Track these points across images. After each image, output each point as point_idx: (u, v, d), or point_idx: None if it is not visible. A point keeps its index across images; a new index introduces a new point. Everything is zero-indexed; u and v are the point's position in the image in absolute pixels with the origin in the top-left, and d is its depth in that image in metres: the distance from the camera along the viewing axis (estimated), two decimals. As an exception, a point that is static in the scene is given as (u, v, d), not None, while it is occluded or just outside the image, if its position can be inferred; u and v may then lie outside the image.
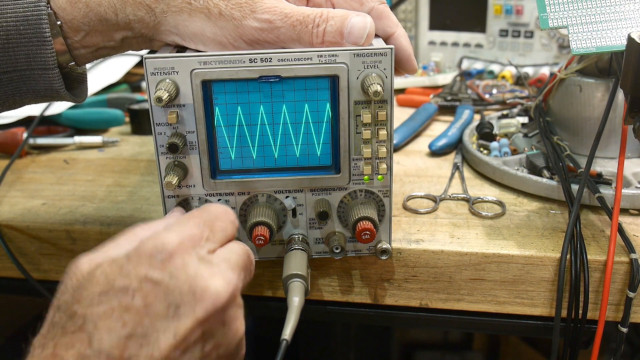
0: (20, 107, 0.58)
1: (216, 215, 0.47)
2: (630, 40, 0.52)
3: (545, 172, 0.69)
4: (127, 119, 0.99)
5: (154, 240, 0.42)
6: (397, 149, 0.87)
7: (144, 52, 0.90)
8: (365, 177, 0.54)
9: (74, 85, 0.58)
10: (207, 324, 0.42)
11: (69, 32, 0.52)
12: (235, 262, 0.45)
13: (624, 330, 0.57)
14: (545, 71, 1.14)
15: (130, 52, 0.57)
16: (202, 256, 0.43)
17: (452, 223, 0.64)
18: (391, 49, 0.50)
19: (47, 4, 0.51)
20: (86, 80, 0.60)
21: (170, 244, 0.42)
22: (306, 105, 0.52)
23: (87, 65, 0.59)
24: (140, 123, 0.96)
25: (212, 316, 0.42)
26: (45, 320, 0.42)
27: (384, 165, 0.53)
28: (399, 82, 1.16)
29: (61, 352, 0.39)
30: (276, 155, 0.53)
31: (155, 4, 0.51)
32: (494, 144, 0.79)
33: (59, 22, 0.52)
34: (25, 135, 0.86)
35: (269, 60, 0.49)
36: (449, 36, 1.26)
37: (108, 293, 0.40)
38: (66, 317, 0.40)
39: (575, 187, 0.64)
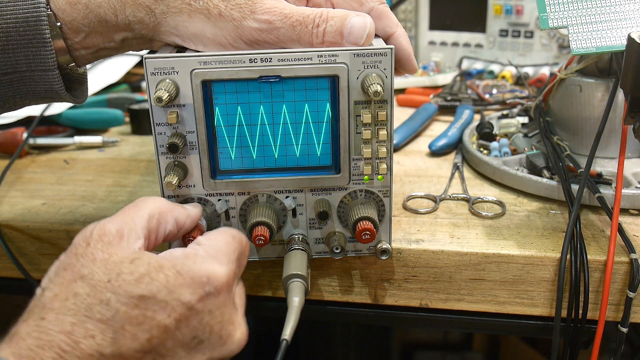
0: (20, 108, 0.58)
1: (244, 250, 0.49)
2: (630, 40, 0.52)
3: (545, 172, 0.69)
4: (127, 119, 0.99)
5: (207, 267, 0.43)
6: (397, 149, 0.87)
7: (144, 52, 0.90)
8: (365, 177, 0.54)
9: (74, 86, 0.58)
10: None
11: (68, 34, 0.52)
12: (245, 303, 0.48)
13: (624, 330, 0.57)
14: (545, 71, 1.14)
15: (130, 52, 0.58)
16: (233, 297, 0.46)
17: (452, 223, 0.64)
18: (391, 49, 0.50)
19: (47, 5, 0.51)
20: (86, 81, 0.60)
21: (220, 280, 0.43)
22: (306, 105, 0.52)
23: (87, 66, 0.59)
24: (140, 123, 0.96)
25: (223, 358, 0.44)
26: (56, 272, 0.41)
27: (384, 165, 0.53)
28: (399, 82, 1.16)
29: (78, 337, 0.38)
30: (276, 155, 0.53)
31: (155, 5, 0.51)
32: (494, 144, 0.79)
33: (58, 24, 0.52)
34: (25, 135, 0.86)
35: (269, 60, 0.49)
36: (449, 36, 1.26)
37: (147, 301, 0.40)
38: (95, 298, 0.39)
39: (575, 187, 0.64)
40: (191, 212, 0.51)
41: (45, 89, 0.54)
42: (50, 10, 0.51)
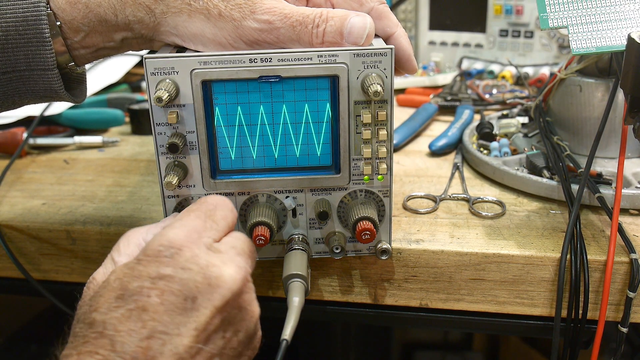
0: (19, 107, 0.58)
1: (215, 204, 0.47)
2: (630, 40, 0.52)
3: (545, 172, 0.69)
4: (127, 119, 0.99)
5: (160, 238, 0.43)
6: (397, 149, 0.87)
7: (144, 52, 0.90)
8: (365, 177, 0.54)
9: (73, 85, 0.58)
10: (225, 311, 0.42)
11: (68, 33, 0.52)
12: (241, 248, 0.46)
13: (624, 330, 0.57)
14: (545, 71, 1.14)
15: (130, 52, 0.58)
16: (210, 245, 0.44)
17: (452, 223, 0.64)
18: (391, 49, 0.50)
19: (47, 4, 0.51)
20: (85, 81, 0.60)
21: (176, 238, 0.43)
22: (306, 105, 0.52)
23: (87, 66, 0.59)
24: (140, 123, 0.96)
25: (229, 303, 0.42)
26: (68, 335, 0.42)
27: (384, 165, 0.53)
28: (399, 82, 1.16)
29: (85, 358, 0.38)
30: (276, 155, 0.53)
31: (154, 5, 0.51)
32: (494, 144, 0.79)
33: (58, 23, 0.52)
34: (25, 135, 0.86)
35: (269, 60, 0.49)
36: (449, 36, 1.26)
37: (124, 296, 0.40)
38: (86, 325, 0.40)
39: (575, 187, 0.64)
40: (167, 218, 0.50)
41: (45, 89, 0.54)
42: (50, 10, 0.51)
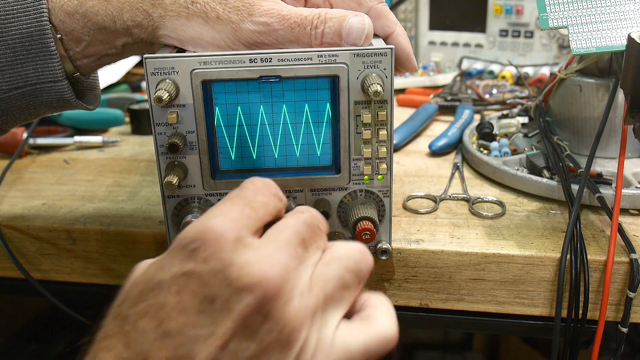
0: (35, 118, 0.58)
1: (255, 190, 0.42)
2: (630, 40, 0.52)
3: (545, 172, 0.69)
4: (127, 119, 0.99)
5: (188, 228, 0.38)
6: (397, 149, 0.87)
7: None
8: (365, 177, 0.54)
9: (85, 92, 0.58)
10: (248, 320, 0.36)
11: (69, 44, 0.53)
12: (286, 240, 0.39)
13: (624, 330, 0.57)
14: (545, 71, 1.14)
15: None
16: (239, 239, 0.38)
17: (452, 223, 0.64)
18: (391, 49, 0.50)
19: (48, 18, 0.51)
20: (98, 87, 0.60)
21: (204, 229, 0.37)
22: (306, 105, 0.52)
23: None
24: (140, 123, 0.96)
25: (253, 310, 0.36)
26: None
27: (384, 165, 0.53)
28: (399, 82, 1.16)
29: (102, 353, 0.36)
30: (276, 156, 0.53)
31: (152, 9, 0.51)
32: (494, 144, 0.79)
33: (59, 36, 0.52)
34: (25, 135, 0.86)
35: (269, 60, 0.49)
36: (449, 36, 1.27)
37: (146, 290, 0.37)
38: (111, 318, 0.38)
39: (575, 187, 0.64)
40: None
41: (57, 99, 0.54)
42: (50, 23, 0.52)
